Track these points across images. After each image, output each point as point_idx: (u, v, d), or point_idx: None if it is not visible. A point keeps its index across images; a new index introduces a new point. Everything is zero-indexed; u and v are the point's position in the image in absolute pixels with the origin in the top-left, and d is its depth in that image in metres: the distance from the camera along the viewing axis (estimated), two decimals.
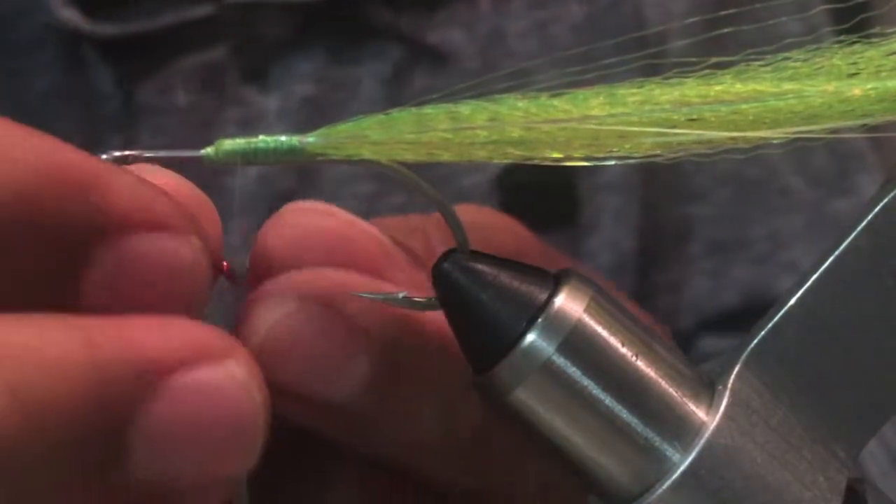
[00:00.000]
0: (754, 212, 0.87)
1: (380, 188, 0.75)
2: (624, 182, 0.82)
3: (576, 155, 0.38)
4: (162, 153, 0.39)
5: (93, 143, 0.72)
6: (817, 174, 0.86)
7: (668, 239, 0.86)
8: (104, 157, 0.38)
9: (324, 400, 0.39)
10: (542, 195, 0.80)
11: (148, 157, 0.38)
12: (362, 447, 0.42)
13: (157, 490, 0.34)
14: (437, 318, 0.39)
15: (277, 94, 0.74)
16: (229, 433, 0.35)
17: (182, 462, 0.34)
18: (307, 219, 0.40)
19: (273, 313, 0.39)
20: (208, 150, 0.38)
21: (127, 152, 0.38)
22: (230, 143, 0.38)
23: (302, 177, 0.71)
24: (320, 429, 0.41)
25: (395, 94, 0.76)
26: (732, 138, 0.38)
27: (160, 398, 0.34)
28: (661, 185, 0.84)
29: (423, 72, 0.78)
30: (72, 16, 0.71)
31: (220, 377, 0.35)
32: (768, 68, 0.39)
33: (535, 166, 0.39)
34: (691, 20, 0.73)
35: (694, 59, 0.39)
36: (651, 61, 0.39)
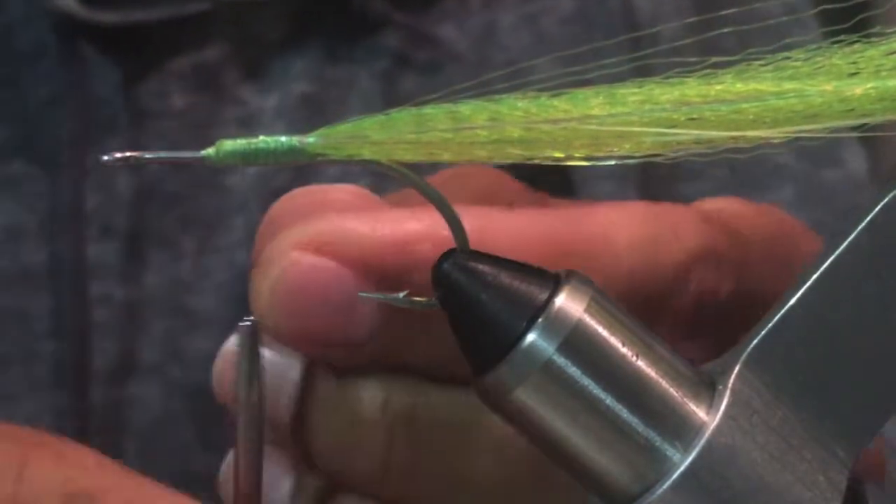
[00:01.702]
0: (748, 189, 0.86)
1: (377, 185, 0.76)
2: (618, 169, 0.82)
3: (576, 154, 0.38)
4: (163, 154, 0.39)
5: (95, 149, 0.72)
6: (806, 148, 0.86)
7: None
8: (105, 158, 0.38)
9: (344, 342, 0.42)
10: (537, 177, 0.80)
11: (149, 158, 0.38)
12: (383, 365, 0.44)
13: None
14: (432, 240, 0.41)
15: (275, 93, 0.74)
16: None
17: None
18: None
19: (271, 275, 0.42)
20: (209, 152, 0.38)
21: (128, 153, 0.38)
22: (230, 144, 0.38)
23: (298, 174, 0.72)
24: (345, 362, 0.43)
25: (391, 90, 0.76)
26: (733, 138, 0.38)
27: None
28: (656, 167, 0.84)
29: (418, 66, 0.78)
30: (69, 3, 0.71)
31: None
32: (769, 67, 0.39)
33: None
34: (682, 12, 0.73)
35: (693, 59, 0.39)
36: (646, 56, 0.39)
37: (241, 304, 0.70)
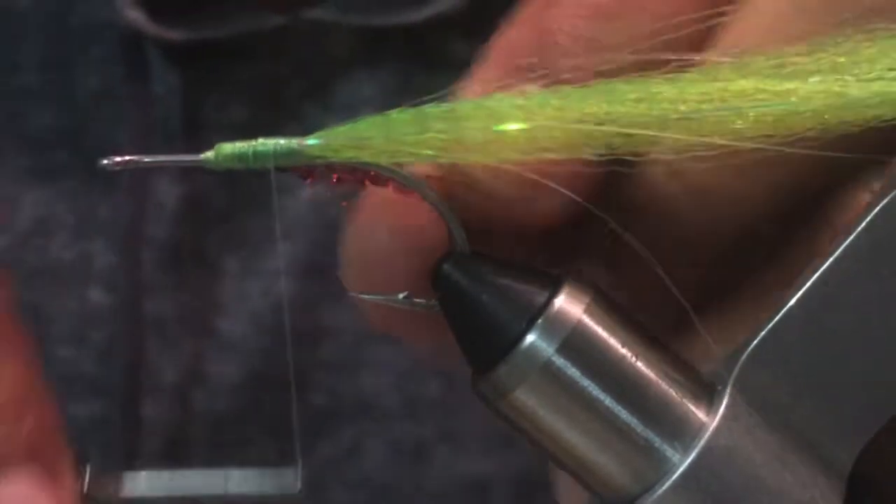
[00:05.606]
0: None
1: None
2: None
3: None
4: (162, 158, 0.39)
5: (147, 152, 0.70)
6: None
7: None
8: (104, 162, 0.38)
9: None
10: None
11: (148, 162, 0.38)
12: None
13: None
14: None
15: (341, 115, 0.71)
16: None
17: None
18: None
19: None
20: (208, 155, 0.38)
21: (128, 158, 0.38)
22: (229, 147, 0.38)
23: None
24: None
25: None
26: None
27: None
28: None
29: None
30: (138, 17, 0.68)
31: None
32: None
33: None
34: None
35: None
36: None
37: (271, 335, 0.68)
